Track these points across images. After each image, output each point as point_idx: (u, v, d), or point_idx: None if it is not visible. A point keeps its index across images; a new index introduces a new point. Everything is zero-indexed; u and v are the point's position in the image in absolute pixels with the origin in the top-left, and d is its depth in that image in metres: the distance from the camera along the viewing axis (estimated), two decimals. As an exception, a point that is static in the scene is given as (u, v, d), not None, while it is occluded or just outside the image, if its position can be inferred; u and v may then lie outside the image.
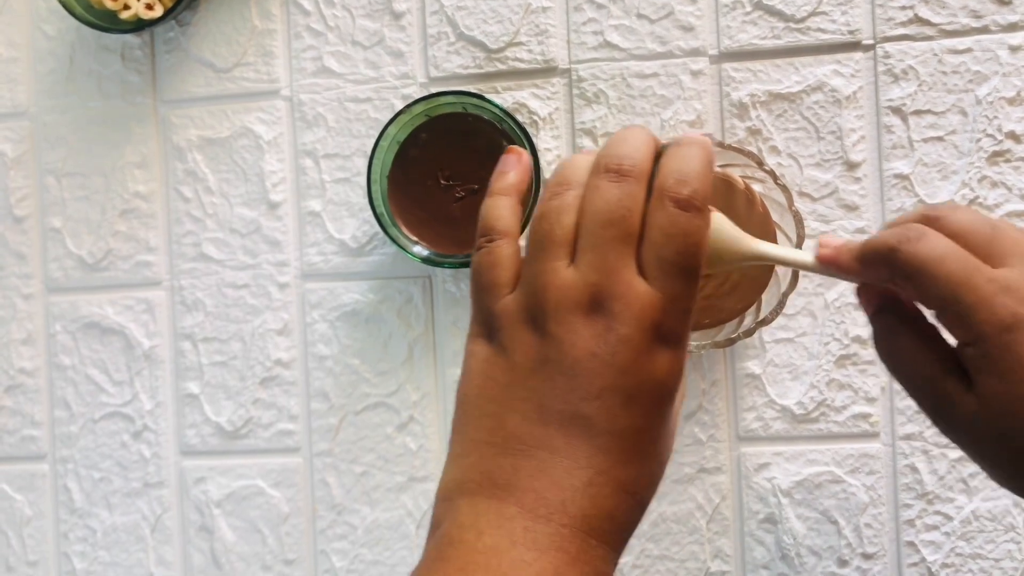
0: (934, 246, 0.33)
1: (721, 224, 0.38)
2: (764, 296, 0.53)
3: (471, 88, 0.58)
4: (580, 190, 0.36)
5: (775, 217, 0.52)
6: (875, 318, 0.37)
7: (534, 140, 0.57)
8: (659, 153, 0.36)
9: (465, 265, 0.55)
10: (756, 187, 0.53)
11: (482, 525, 0.33)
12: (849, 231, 0.55)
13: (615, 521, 0.34)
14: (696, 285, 0.35)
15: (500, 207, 0.38)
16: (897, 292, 0.36)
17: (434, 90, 0.58)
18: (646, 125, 0.57)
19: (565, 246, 0.35)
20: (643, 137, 0.36)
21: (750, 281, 0.52)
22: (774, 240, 0.52)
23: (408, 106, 0.54)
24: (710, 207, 0.36)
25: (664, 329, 0.34)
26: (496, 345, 0.36)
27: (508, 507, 0.33)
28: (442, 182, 0.55)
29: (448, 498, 0.35)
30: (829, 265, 0.37)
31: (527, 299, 0.35)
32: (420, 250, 0.55)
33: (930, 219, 0.35)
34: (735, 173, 0.52)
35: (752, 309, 0.53)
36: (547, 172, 0.57)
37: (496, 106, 0.54)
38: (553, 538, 0.32)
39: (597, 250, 0.34)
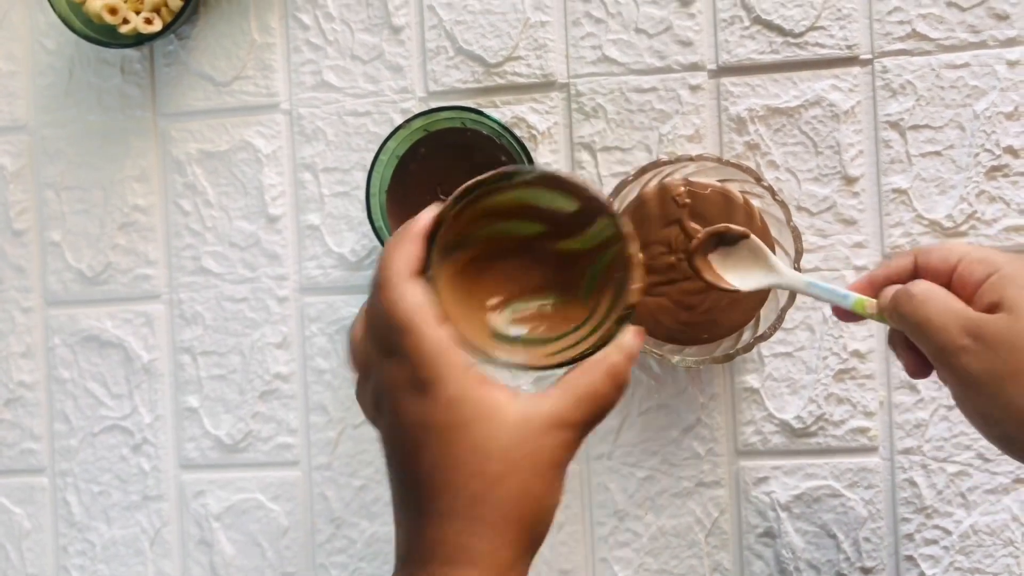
0: (916, 299, 0.41)
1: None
2: (762, 311, 0.53)
3: (470, 103, 0.58)
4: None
5: (773, 232, 0.52)
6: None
7: (533, 154, 0.57)
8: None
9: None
10: (754, 202, 0.53)
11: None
12: (847, 245, 0.55)
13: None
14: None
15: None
16: None
17: (433, 104, 0.58)
18: (643, 140, 0.57)
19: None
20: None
21: (749, 296, 0.52)
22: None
23: (407, 121, 0.54)
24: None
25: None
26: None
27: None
28: (441, 196, 0.55)
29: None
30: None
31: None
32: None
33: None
34: (734, 188, 0.53)
35: (751, 324, 0.53)
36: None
37: (495, 121, 0.54)
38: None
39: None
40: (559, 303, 0.44)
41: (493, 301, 0.44)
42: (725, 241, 0.49)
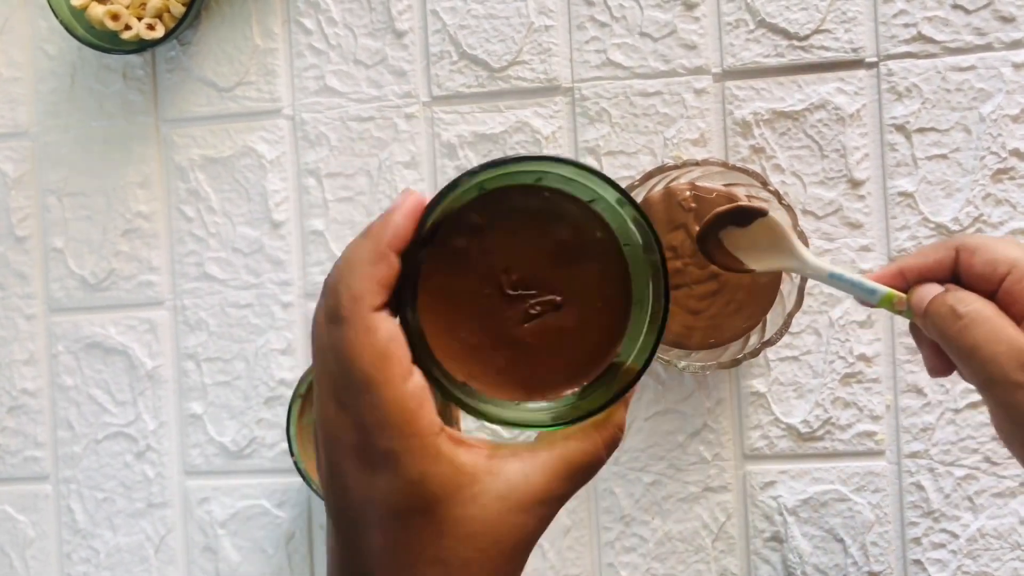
0: (970, 327, 0.37)
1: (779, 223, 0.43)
2: (769, 316, 0.53)
3: (474, 107, 0.58)
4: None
5: (780, 236, 0.52)
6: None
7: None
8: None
9: (553, 425, 0.33)
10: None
11: None
12: (853, 248, 0.55)
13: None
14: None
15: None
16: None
17: (437, 109, 0.58)
18: (648, 144, 0.57)
19: None
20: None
21: (755, 301, 0.52)
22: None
23: (457, 181, 0.31)
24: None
25: None
26: None
27: None
28: (506, 290, 0.35)
29: None
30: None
31: None
32: (475, 403, 0.34)
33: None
34: (740, 192, 0.52)
35: (757, 329, 0.53)
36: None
37: (598, 179, 0.32)
38: None
39: None
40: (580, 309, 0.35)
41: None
42: (738, 220, 0.44)
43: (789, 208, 0.51)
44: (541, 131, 0.57)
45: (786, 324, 0.51)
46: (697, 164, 0.52)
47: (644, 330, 0.33)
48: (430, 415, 0.30)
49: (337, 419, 0.30)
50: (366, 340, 0.29)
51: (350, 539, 0.31)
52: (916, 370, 0.55)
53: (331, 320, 0.30)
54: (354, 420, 0.30)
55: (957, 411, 0.54)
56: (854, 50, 0.55)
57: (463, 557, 0.30)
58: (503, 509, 0.30)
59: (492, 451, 0.31)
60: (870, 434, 0.55)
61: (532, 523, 0.31)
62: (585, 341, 0.35)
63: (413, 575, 0.30)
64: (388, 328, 0.29)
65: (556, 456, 0.31)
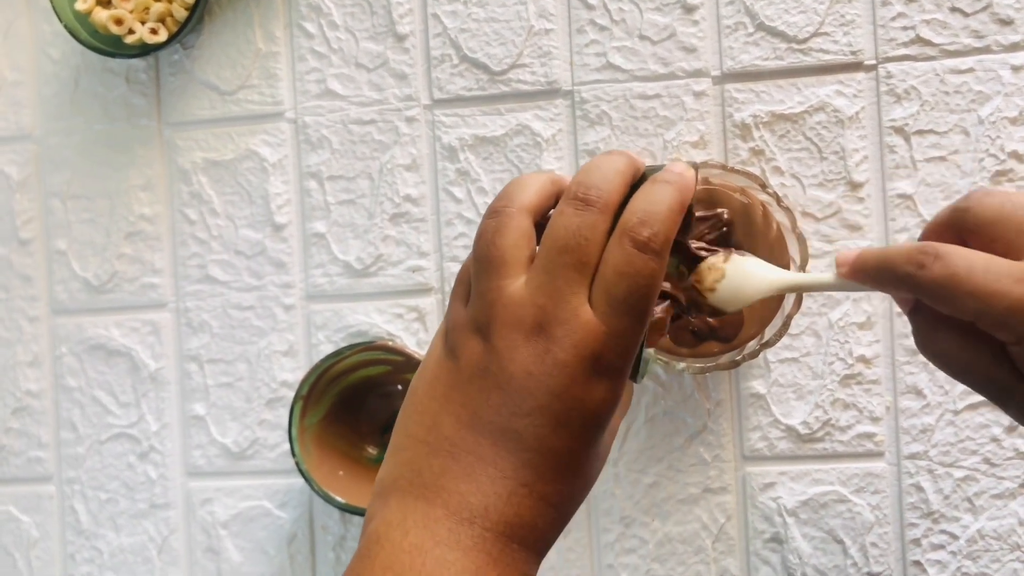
0: (951, 265, 0.33)
1: (744, 261, 0.39)
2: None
3: (475, 109, 0.58)
4: (520, 210, 0.36)
5: (779, 238, 0.53)
6: (912, 317, 0.37)
7: (538, 162, 0.57)
8: (642, 178, 0.36)
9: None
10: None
11: (408, 524, 0.34)
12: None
13: (536, 530, 0.35)
14: (643, 325, 0.35)
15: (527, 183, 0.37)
16: None
17: (439, 112, 0.59)
18: (647, 147, 0.57)
19: (508, 265, 0.35)
20: (616, 167, 0.36)
21: (763, 305, 0.52)
22: (787, 262, 0.52)
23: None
24: (740, 252, 0.37)
25: (603, 361, 0.34)
26: (448, 347, 0.37)
27: (435, 508, 0.34)
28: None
29: (381, 494, 0.36)
30: (850, 281, 0.37)
31: (476, 311, 0.36)
32: None
33: (959, 211, 0.35)
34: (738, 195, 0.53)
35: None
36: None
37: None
38: (475, 540, 0.33)
39: (549, 273, 0.35)
40: None
41: None
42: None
43: (788, 211, 0.51)
44: (541, 134, 0.58)
45: (785, 326, 0.51)
46: (696, 167, 0.52)
47: None
48: None
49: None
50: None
51: (540, 429, 0.35)
52: (916, 371, 0.55)
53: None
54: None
55: (956, 412, 0.55)
56: (853, 53, 0.55)
57: (592, 476, 0.37)
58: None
59: None
60: (869, 435, 0.55)
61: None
62: None
63: (562, 479, 0.35)
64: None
65: None
